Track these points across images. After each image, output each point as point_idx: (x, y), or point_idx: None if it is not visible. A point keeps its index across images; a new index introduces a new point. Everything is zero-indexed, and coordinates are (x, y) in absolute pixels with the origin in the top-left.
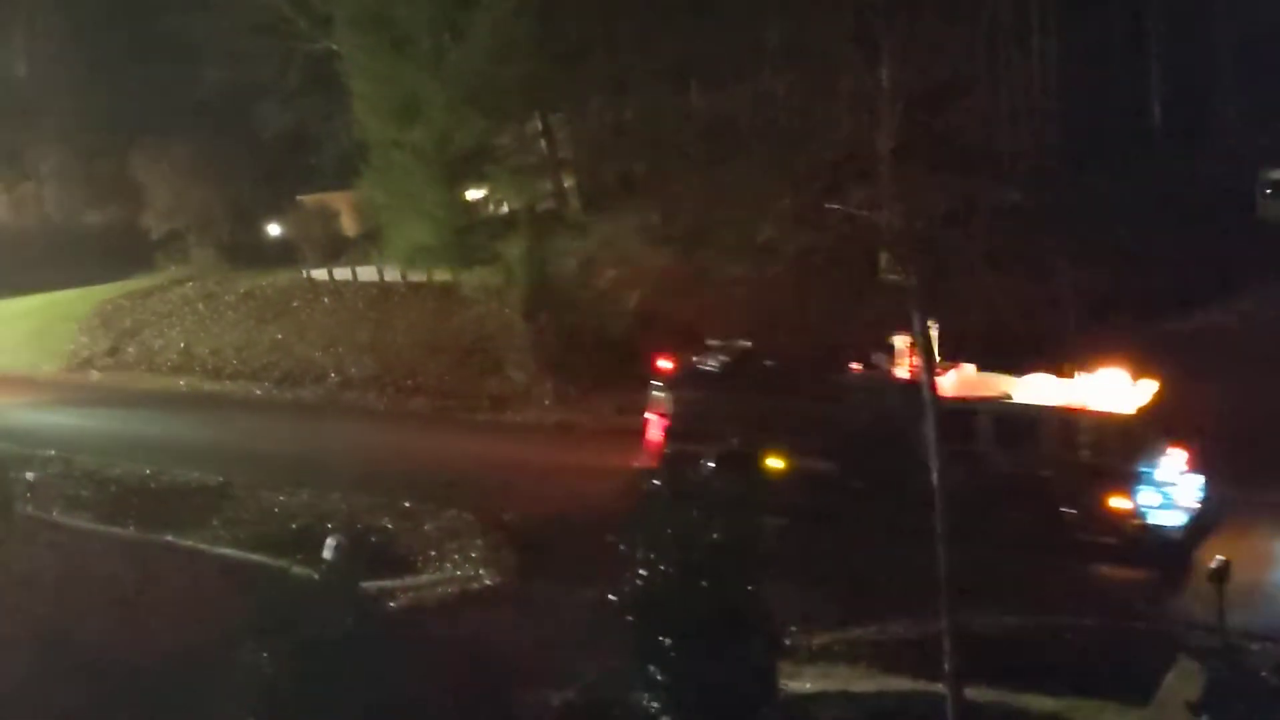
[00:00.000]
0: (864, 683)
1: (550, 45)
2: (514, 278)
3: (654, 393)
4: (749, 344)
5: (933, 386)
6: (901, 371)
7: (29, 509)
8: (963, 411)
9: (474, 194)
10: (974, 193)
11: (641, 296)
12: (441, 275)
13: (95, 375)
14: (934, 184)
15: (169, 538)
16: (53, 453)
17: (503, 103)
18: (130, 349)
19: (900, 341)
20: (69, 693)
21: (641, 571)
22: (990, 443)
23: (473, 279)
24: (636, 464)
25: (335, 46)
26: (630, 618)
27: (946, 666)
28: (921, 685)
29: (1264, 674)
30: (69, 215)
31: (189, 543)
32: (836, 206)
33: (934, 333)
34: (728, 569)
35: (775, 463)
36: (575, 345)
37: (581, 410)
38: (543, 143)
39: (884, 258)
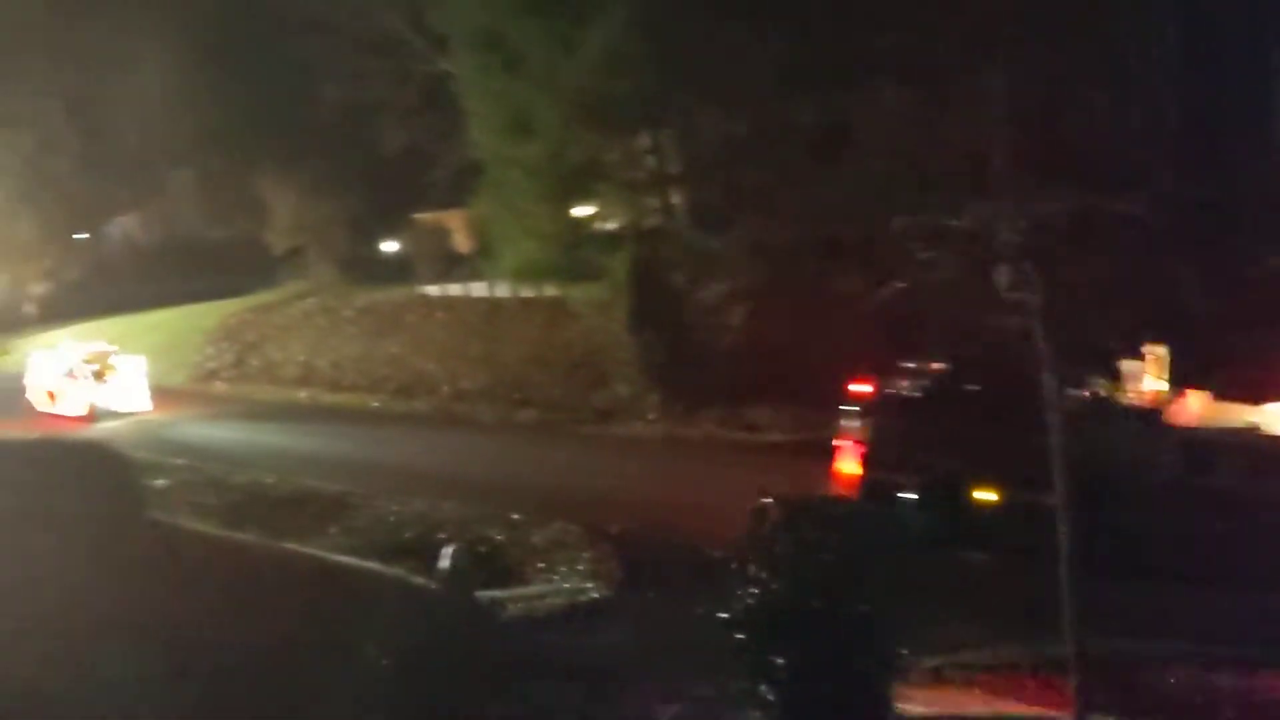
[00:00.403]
0: (977, 707)
1: (660, 60)
2: (621, 292)
3: (848, 419)
4: (947, 366)
5: (1165, 413)
6: (1131, 396)
7: (158, 515)
8: (1207, 442)
9: (583, 210)
10: (1097, 207)
11: (748, 311)
12: (550, 290)
13: (220, 387)
14: (1054, 198)
15: (289, 544)
16: (181, 461)
17: (613, 119)
18: (253, 361)
19: (1130, 365)
20: (185, 688)
21: (753, 589)
22: (1238, 477)
23: (580, 294)
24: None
25: (450, 66)
26: (741, 635)
27: (1074, 694)
28: (1038, 711)
29: None
30: (196, 232)
31: (309, 550)
32: (955, 222)
33: (1164, 357)
34: (844, 589)
35: (985, 495)
36: (681, 359)
37: (687, 424)
38: (651, 158)
39: (1003, 275)
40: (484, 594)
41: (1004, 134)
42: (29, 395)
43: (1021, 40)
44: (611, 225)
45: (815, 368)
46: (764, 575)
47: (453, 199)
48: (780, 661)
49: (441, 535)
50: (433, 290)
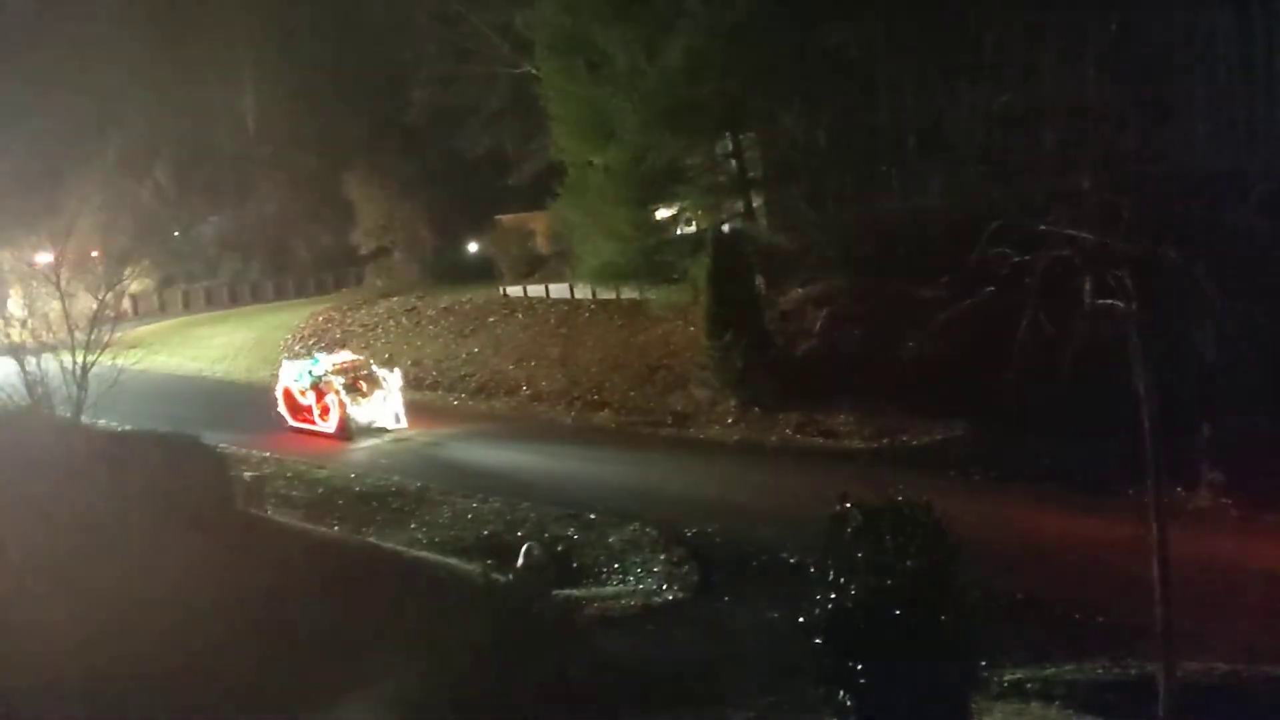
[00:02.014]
0: None
1: (742, 65)
2: (700, 296)
3: None
4: None
5: None
6: None
7: (245, 506)
8: None
9: (663, 213)
10: (1198, 213)
11: (828, 316)
12: (629, 293)
13: None
14: (1152, 202)
15: (371, 539)
16: (268, 454)
17: (695, 123)
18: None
19: None
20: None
21: (832, 595)
22: None
23: (660, 297)
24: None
25: (534, 70)
26: (818, 640)
27: (1161, 711)
28: None
29: None
30: (286, 232)
31: (389, 544)
32: (1050, 228)
33: None
34: (923, 596)
35: None
36: (759, 364)
37: (763, 429)
38: (733, 162)
39: (1089, 283)
40: (560, 593)
41: (1100, 138)
42: (279, 408)
43: (1120, 40)
44: (691, 228)
45: (895, 374)
46: (843, 581)
47: (535, 201)
48: (859, 669)
49: (519, 534)
50: (514, 291)
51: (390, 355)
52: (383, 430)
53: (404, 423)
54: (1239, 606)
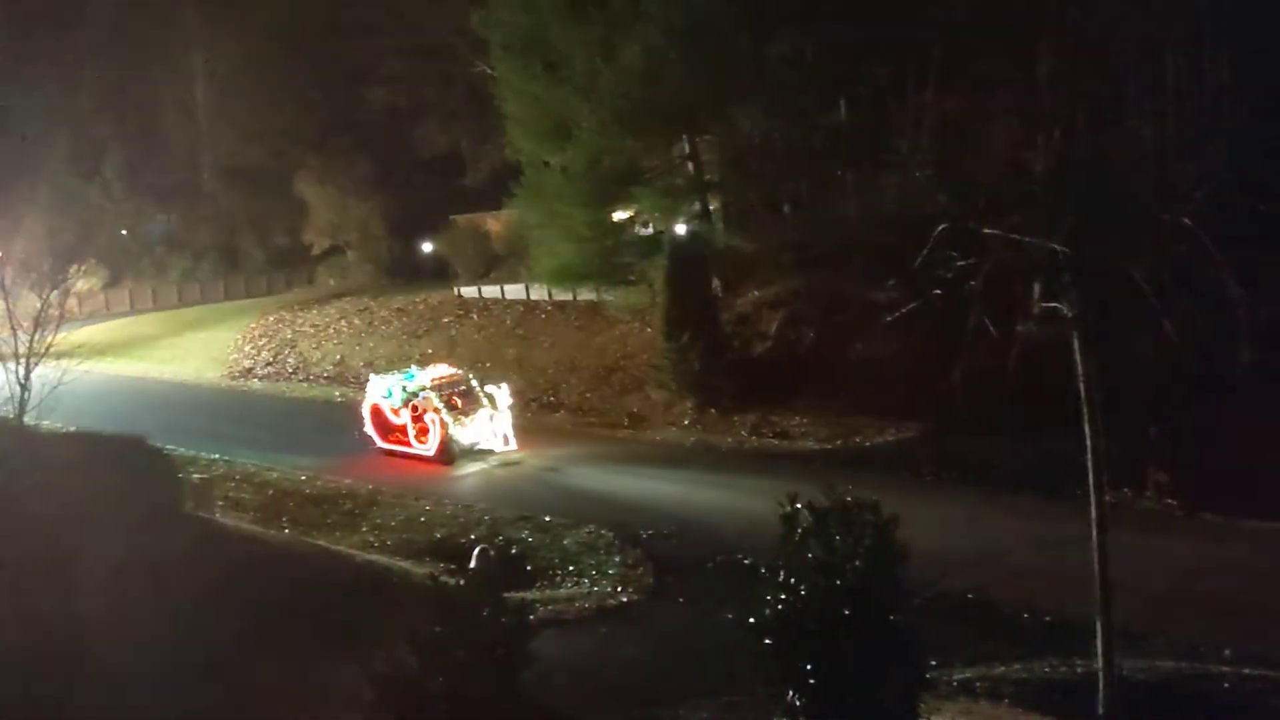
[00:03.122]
0: None
1: (699, 67)
2: (657, 298)
3: None
4: None
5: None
6: None
7: (193, 509)
8: None
9: (620, 215)
10: (1141, 218)
11: (784, 319)
12: (586, 294)
13: (256, 384)
14: (1097, 207)
15: (321, 542)
16: (216, 456)
17: (652, 124)
18: (289, 359)
19: None
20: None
21: (782, 595)
22: None
23: (617, 298)
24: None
25: (491, 70)
26: (769, 641)
27: (1101, 710)
28: None
29: None
30: (237, 231)
31: (340, 547)
32: (995, 232)
33: None
34: (872, 596)
35: None
36: (716, 366)
37: (720, 430)
38: (690, 164)
39: (1037, 286)
40: (513, 595)
41: (1047, 143)
42: (366, 428)
43: (1065, 49)
44: (648, 230)
45: (849, 376)
46: (793, 582)
47: (491, 201)
48: (809, 669)
49: (472, 536)
50: (469, 291)
51: (342, 356)
52: (486, 453)
53: (513, 444)
54: (1183, 605)
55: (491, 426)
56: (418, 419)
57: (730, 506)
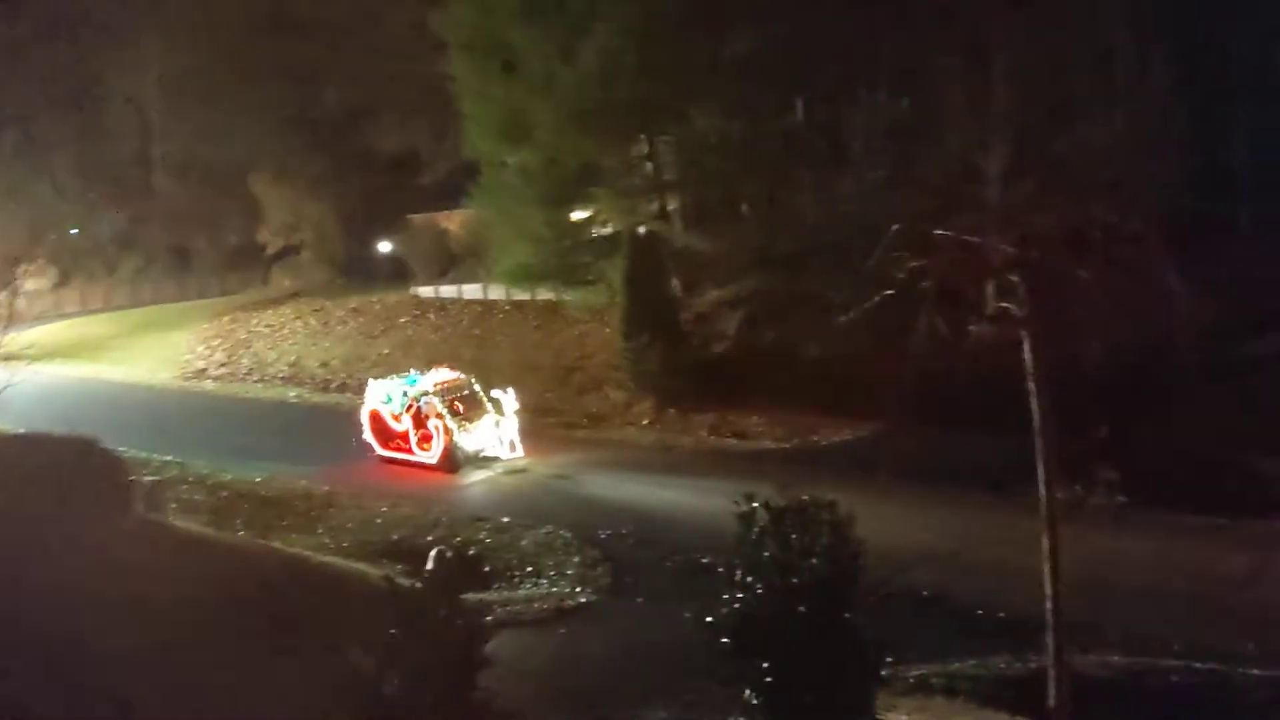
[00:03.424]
0: (962, 717)
1: (657, 68)
2: (615, 297)
3: None
4: None
5: None
6: None
7: (144, 511)
8: None
9: (579, 215)
10: (1090, 219)
11: (743, 319)
12: (545, 294)
13: (210, 385)
14: (1047, 208)
15: (276, 544)
16: (169, 457)
17: (610, 124)
18: (244, 360)
19: None
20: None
21: (739, 594)
22: None
23: (575, 298)
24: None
25: (448, 69)
26: (726, 640)
27: (1052, 703)
28: None
29: None
30: (190, 230)
31: (294, 550)
32: (946, 233)
33: None
34: (828, 594)
35: None
36: (675, 366)
37: (679, 430)
38: (648, 164)
39: (992, 286)
40: (471, 596)
41: (999, 145)
42: (365, 434)
43: (1018, 53)
44: (607, 230)
45: (807, 376)
46: (750, 581)
47: (448, 200)
48: (765, 667)
49: (429, 538)
50: (426, 291)
51: (297, 357)
52: (491, 460)
53: (520, 451)
54: (1133, 600)
55: (497, 433)
56: (420, 425)
57: (689, 505)
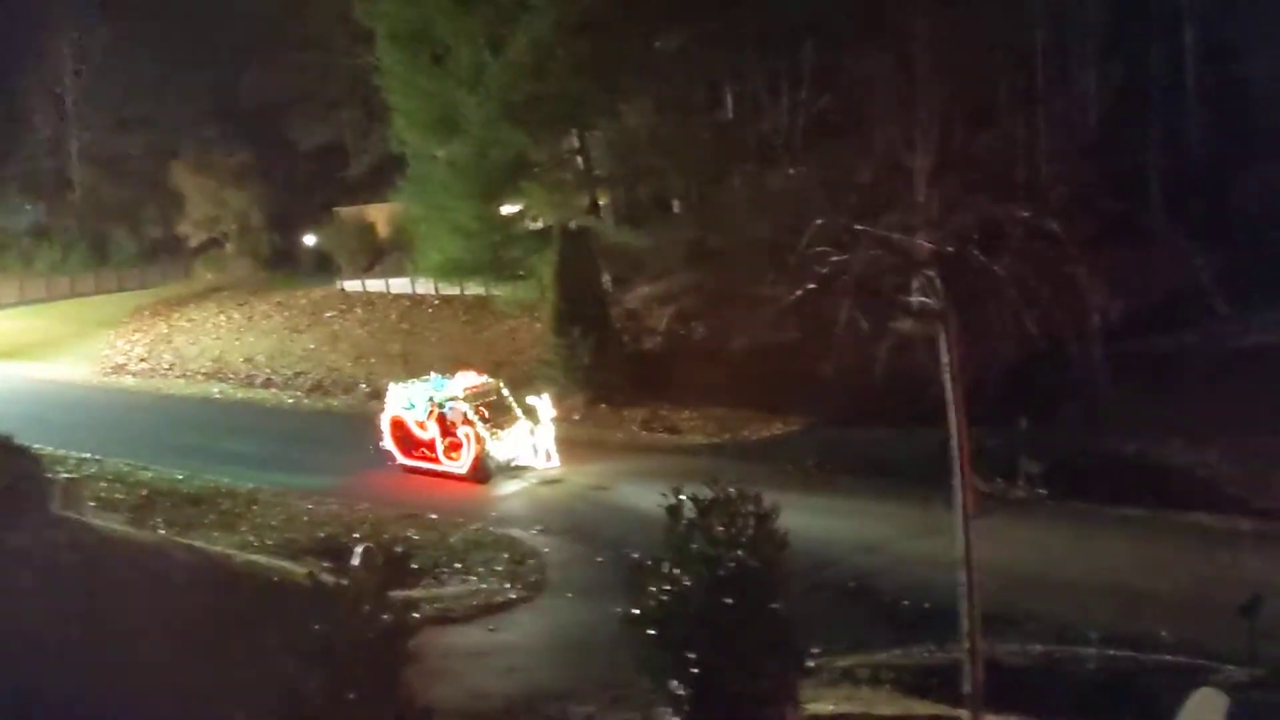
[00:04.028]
0: (887, 706)
1: (587, 61)
2: (546, 293)
3: None
4: None
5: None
6: None
7: (61, 509)
8: None
9: (509, 209)
10: (1008, 218)
11: (674, 314)
12: (474, 289)
13: (129, 380)
14: (968, 207)
15: (198, 543)
16: (88, 455)
17: (540, 118)
18: (165, 355)
19: None
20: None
21: (667, 586)
22: None
23: (506, 293)
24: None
25: (375, 60)
26: (653, 632)
27: (967, 689)
28: (944, 710)
29: None
30: (109, 222)
31: (217, 548)
32: (866, 228)
33: None
34: (753, 586)
35: None
36: (606, 362)
37: (610, 425)
38: (579, 159)
39: (915, 282)
40: (398, 593)
41: (924, 145)
42: (384, 441)
43: (942, 53)
44: (538, 225)
45: (738, 371)
46: (678, 573)
47: (375, 193)
48: (691, 658)
49: (355, 535)
50: (352, 285)
51: (221, 352)
52: (523, 469)
53: (556, 460)
54: (1053, 589)
55: (531, 441)
56: (448, 433)
57: (620, 502)
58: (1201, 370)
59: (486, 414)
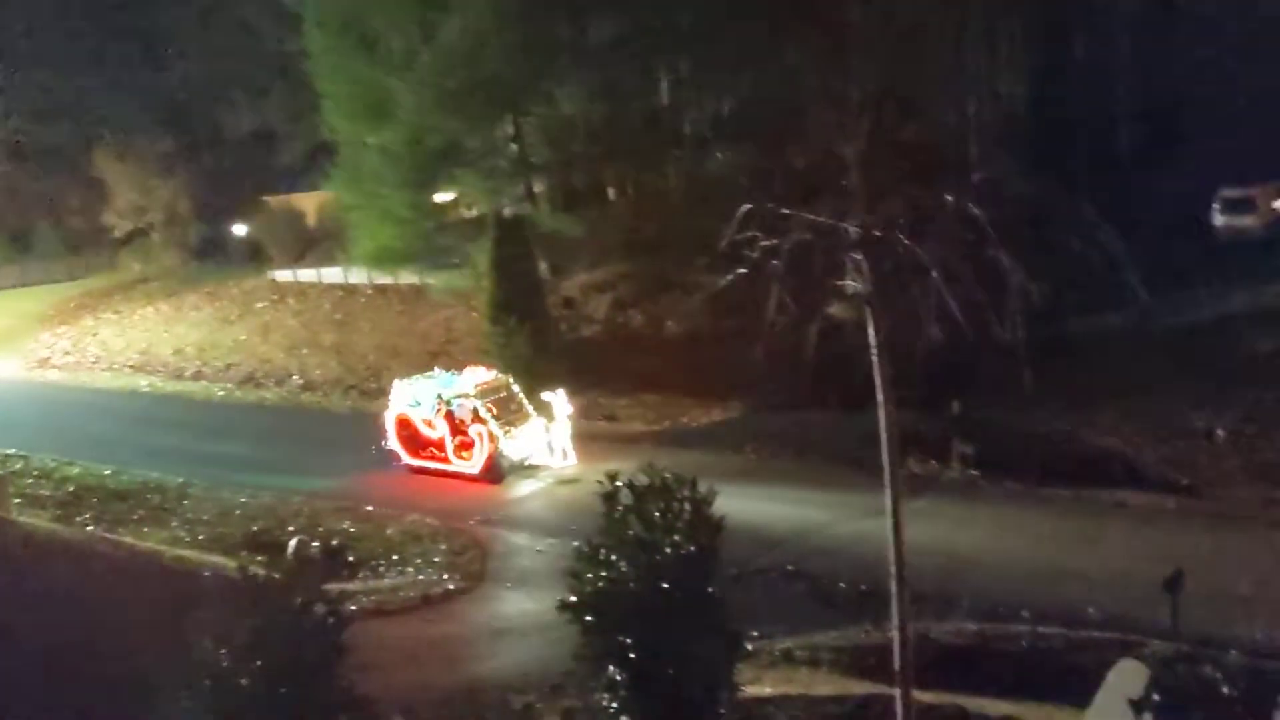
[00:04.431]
0: (825, 687)
1: (521, 48)
2: (482, 281)
3: None
4: None
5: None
6: None
7: None
8: None
9: (443, 196)
10: (934, 203)
11: (611, 302)
12: (408, 278)
13: (55, 375)
14: (897, 192)
15: (127, 539)
16: (13, 450)
17: (474, 105)
18: (91, 348)
19: None
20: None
21: (603, 572)
22: None
23: (440, 282)
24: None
25: (304, 46)
26: (590, 618)
27: (896, 666)
28: (881, 689)
29: (1214, 679)
30: (30, 212)
31: (147, 544)
32: (794, 212)
33: None
34: (689, 571)
35: None
36: (543, 350)
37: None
38: (514, 146)
39: (850, 264)
40: (333, 586)
41: (856, 132)
42: (389, 441)
43: (870, 43)
44: (473, 212)
45: (676, 358)
46: (615, 559)
47: (307, 181)
48: (628, 643)
49: (290, 529)
50: (283, 275)
51: (148, 344)
52: (536, 469)
53: (573, 459)
54: (986, 569)
55: (546, 438)
56: (459, 431)
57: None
58: (1124, 351)
59: (495, 411)
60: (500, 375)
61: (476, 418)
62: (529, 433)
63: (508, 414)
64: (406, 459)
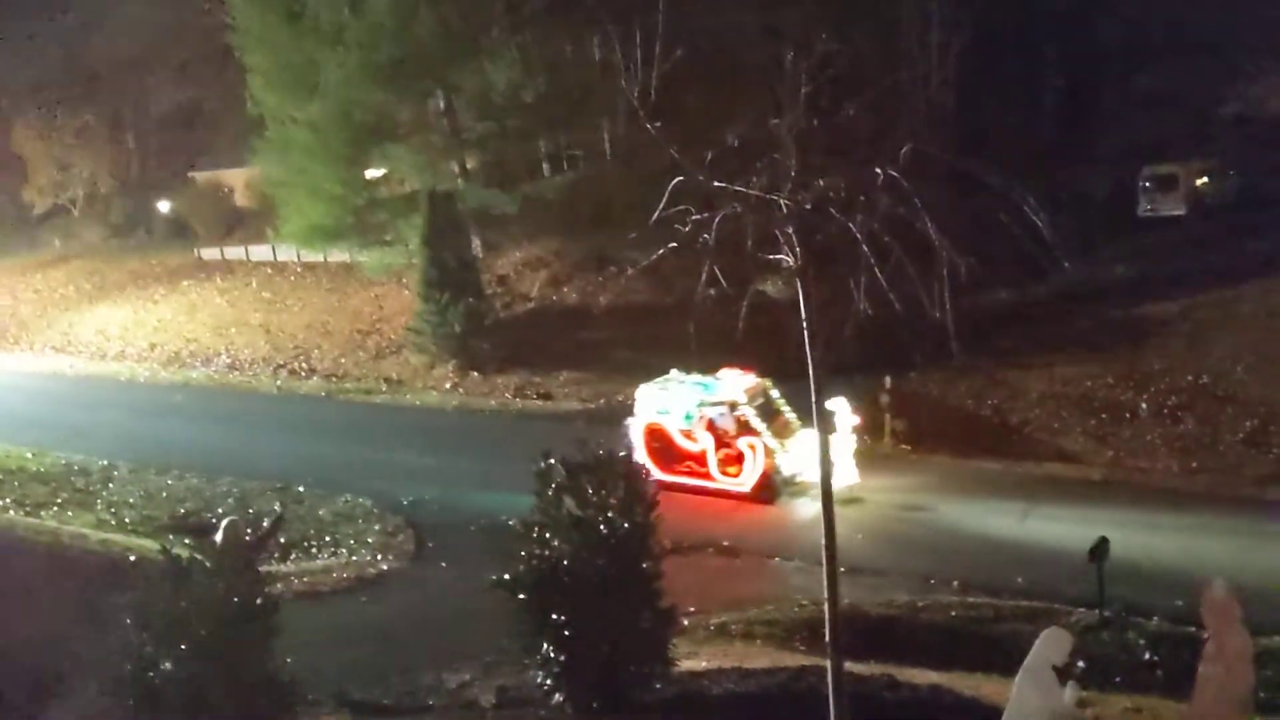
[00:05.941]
0: (759, 659)
1: (452, 21)
2: (414, 259)
3: None
4: None
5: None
6: None
7: None
8: None
9: (374, 172)
10: (865, 178)
11: (546, 280)
12: (338, 255)
13: None
14: (831, 168)
15: (50, 523)
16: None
17: (403, 78)
18: (10, 328)
19: None
20: None
21: (538, 550)
22: None
23: (371, 259)
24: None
25: (229, 18)
26: (524, 596)
27: (827, 638)
28: (814, 660)
29: (1137, 644)
30: None
31: (71, 527)
32: (725, 185)
33: None
34: (624, 547)
35: None
36: (477, 328)
37: (482, 393)
38: (445, 120)
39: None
40: (264, 569)
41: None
42: (638, 456)
43: (812, 20)
44: (405, 189)
45: (611, 336)
46: (549, 536)
47: (234, 157)
48: (562, 620)
49: (220, 510)
50: (210, 253)
51: (70, 324)
52: (803, 486)
53: (856, 477)
54: (917, 541)
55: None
56: (724, 444)
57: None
58: (1046, 323)
59: (776, 420)
60: (756, 379)
61: (746, 428)
62: (800, 445)
63: (773, 424)
64: (657, 474)
